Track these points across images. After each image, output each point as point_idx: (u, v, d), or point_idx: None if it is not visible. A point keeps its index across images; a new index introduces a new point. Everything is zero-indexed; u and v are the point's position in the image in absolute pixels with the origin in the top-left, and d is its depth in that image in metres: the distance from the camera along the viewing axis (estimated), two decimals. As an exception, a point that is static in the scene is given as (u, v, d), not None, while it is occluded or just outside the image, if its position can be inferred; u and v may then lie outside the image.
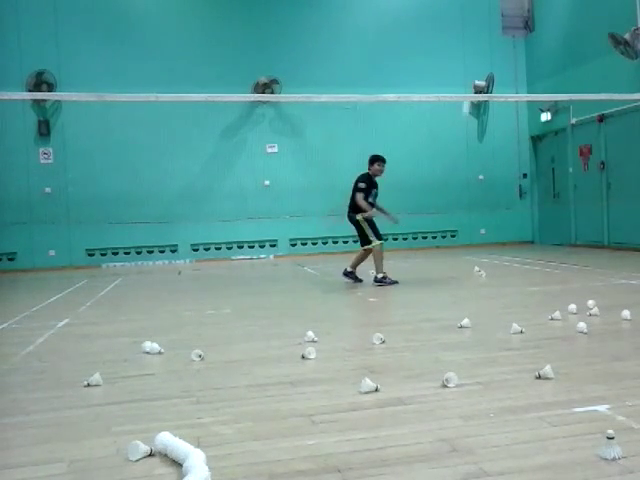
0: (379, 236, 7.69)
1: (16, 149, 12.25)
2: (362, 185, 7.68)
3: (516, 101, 14.04)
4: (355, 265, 7.95)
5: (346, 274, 7.95)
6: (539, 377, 3.17)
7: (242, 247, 13.40)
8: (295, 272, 10.33)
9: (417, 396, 2.98)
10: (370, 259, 7.72)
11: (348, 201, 7.84)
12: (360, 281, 7.88)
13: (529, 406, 2.75)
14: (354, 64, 13.42)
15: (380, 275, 7.61)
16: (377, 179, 7.90)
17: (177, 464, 2.25)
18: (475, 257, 10.98)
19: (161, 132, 12.76)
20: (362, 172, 7.88)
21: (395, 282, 7.59)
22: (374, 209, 7.72)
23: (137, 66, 12.61)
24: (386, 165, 7.87)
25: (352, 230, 7.95)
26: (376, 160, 7.84)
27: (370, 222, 7.68)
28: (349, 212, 7.81)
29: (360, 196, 7.62)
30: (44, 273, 11.66)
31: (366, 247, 7.76)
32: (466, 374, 3.28)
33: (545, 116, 13.73)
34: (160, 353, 4.14)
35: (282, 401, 3.00)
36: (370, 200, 7.68)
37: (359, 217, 7.62)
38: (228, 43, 13.13)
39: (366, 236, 7.69)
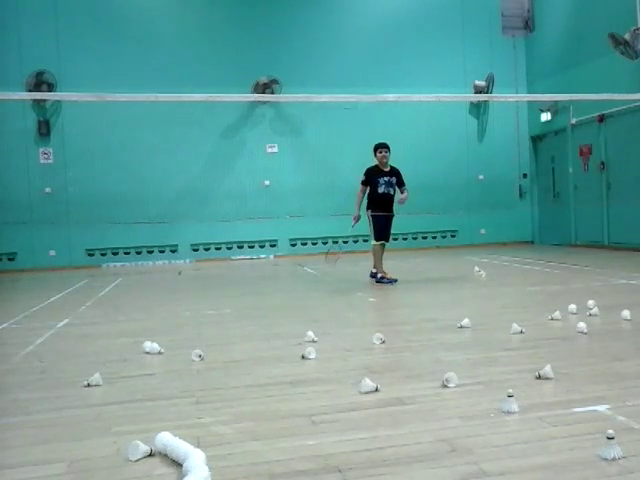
0: (382, 236, 7.70)
1: (16, 149, 12.24)
2: (361, 178, 7.79)
3: (516, 101, 14.05)
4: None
5: (375, 277, 7.79)
6: (539, 377, 3.17)
7: (242, 247, 13.40)
8: (295, 272, 10.32)
9: (417, 396, 2.98)
10: (386, 257, 7.82)
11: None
12: (395, 281, 7.74)
13: (529, 406, 2.74)
14: (354, 64, 13.43)
15: (374, 270, 7.71)
16: (397, 165, 7.88)
17: (177, 464, 2.25)
18: (475, 257, 10.98)
19: (161, 132, 12.77)
20: (368, 166, 7.88)
21: (394, 281, 7.59)
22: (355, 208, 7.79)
23: (137, 66, 12.61)
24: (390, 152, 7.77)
25: (351, 230, 7.94)
26: (376, 149, 7.82)
27: (377, 220, 7.68)
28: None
29: (359, 190, 7.75)
30: (44, 273, 11.66)
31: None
32: (466, 374, 3.28)
33: (545, 116, 13.73)
34: (160, 353, 4.14)
35: (282, 401, 3.00)
36: (382, 190, 7.67)
37: (367, 214, 7.74)
38: (228, 43, 13.14)
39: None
